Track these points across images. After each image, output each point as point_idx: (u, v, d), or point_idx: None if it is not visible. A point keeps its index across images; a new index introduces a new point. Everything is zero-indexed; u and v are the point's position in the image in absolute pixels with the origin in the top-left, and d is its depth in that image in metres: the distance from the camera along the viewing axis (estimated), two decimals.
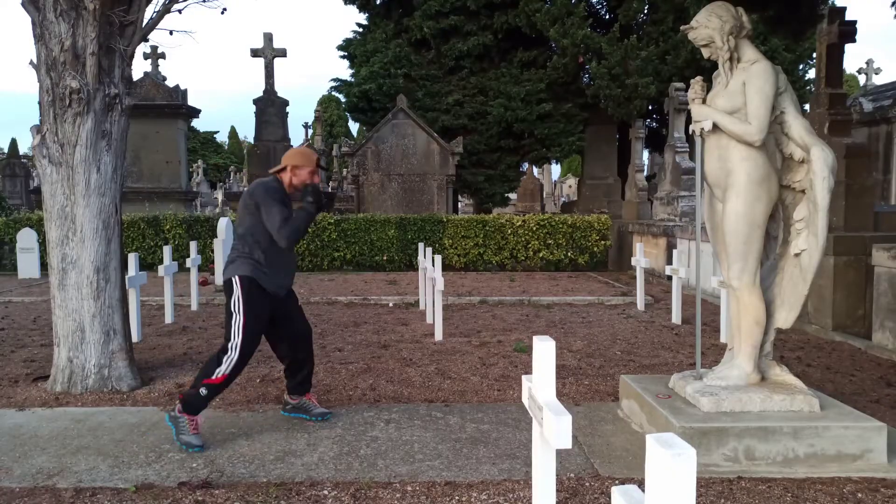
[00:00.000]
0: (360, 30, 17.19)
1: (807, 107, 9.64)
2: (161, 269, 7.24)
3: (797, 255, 3.67)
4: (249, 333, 3.71)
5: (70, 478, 3.29)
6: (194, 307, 8.16)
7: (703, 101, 3.79)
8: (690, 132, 3.83)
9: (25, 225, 11.66)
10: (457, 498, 3.08)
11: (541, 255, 12.01)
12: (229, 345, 3.67)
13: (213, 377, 3.65)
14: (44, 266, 11.06)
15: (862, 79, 18.46)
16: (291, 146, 15.49)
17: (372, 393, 4.69)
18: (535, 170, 24.80)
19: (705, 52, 3.75)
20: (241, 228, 3.84)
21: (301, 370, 4.08)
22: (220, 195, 27.97)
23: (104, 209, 4.73)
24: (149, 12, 4.84)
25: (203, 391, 3.65)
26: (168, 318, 7.31)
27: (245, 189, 3.95)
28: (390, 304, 8.55)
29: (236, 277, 3.73)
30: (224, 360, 3.67)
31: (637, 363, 5.58)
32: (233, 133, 53.84)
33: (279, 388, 4.67)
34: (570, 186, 34.78)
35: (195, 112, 15.68)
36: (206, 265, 11.17)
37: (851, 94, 14.40)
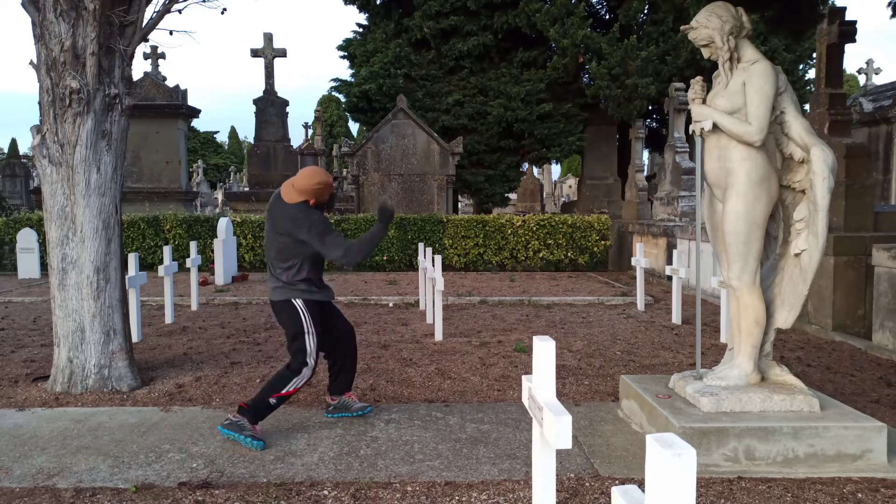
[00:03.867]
0: (360, 30, 17.18)
1: (807, 107, 9.64)
2: (161, 269, 7.24)
3: (797, 255, 3.67)
4: (319, 347, 3.93)
5: (70, 478, 3.29)
6: (194, 307, 8.16)
7: (703, 101, 3.79)
8: (690, 132, 3.83)
9: (25, 225, 11.65)
10: (457, 498, 3.08)
11: (541, 255, 12.01)
12: (306, 358, 3.82)
13: (285, 391, 3.80)
14: (44, 266, 11.09)
15: (862, 79, 18.45)
16: (291, 146, 15.51)
17: (372, 393, 4.69)
18: (535, 170, 24.82)
19: (705, 53, 3.75)
20: (281, 253, 3.83)
21: (342, 371, 4.17)
22: (220, 195, 27.98)
23: (104, 209, 4.73)
24: (149, 12, 4.85)
25: (272, 401, 3.79)
26: (168, 318, 7.31)
27: (273, 209, 3.89)
28: (390, 304, 8.55)
29: (300, 301, 3.85)
30: (299, 375, 3.82)
31: (637, 363, 5.58)
32: (233, 133, 53.88)
33: None
34: (570, 186, 34.77)
35: (195, 112, 15.69)
36: (206, 265, 11.18)
37: (851, 94, 14.40)
